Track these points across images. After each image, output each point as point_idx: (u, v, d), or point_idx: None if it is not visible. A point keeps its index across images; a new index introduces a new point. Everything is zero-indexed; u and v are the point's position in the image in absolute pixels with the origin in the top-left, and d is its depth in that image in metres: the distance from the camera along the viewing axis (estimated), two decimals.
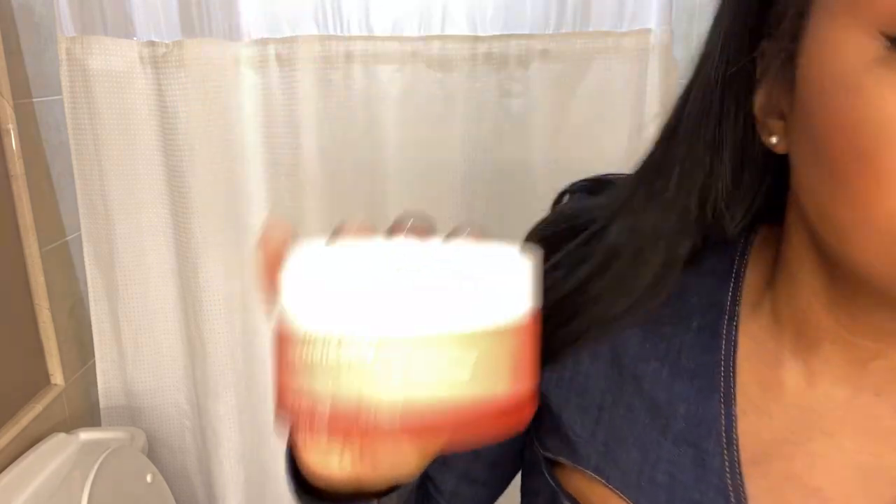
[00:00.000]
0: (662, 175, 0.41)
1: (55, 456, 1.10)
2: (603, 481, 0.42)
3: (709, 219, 0.41)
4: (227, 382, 1.30)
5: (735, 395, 0.41)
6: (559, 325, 0.44)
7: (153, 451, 1.34)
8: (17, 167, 1.12)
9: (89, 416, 1.32)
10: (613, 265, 0.42)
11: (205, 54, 1.13)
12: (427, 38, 1.16)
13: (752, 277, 0.43)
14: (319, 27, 1.15)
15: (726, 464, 0.40)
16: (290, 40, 1.15)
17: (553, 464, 0.46)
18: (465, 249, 0.30)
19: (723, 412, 0.41)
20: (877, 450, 0.38)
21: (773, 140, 0.37)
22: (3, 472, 1.04)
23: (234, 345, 1.29)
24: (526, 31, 1.17)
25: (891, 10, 0.29)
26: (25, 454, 1.08)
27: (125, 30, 1.14)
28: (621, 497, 0.42)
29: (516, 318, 0.30)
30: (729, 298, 0.43)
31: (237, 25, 1.15)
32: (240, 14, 1.15)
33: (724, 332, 0.42)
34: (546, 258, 0.46)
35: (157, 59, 1.14)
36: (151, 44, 1.14)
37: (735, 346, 0.41)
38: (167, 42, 1.13)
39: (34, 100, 1.17)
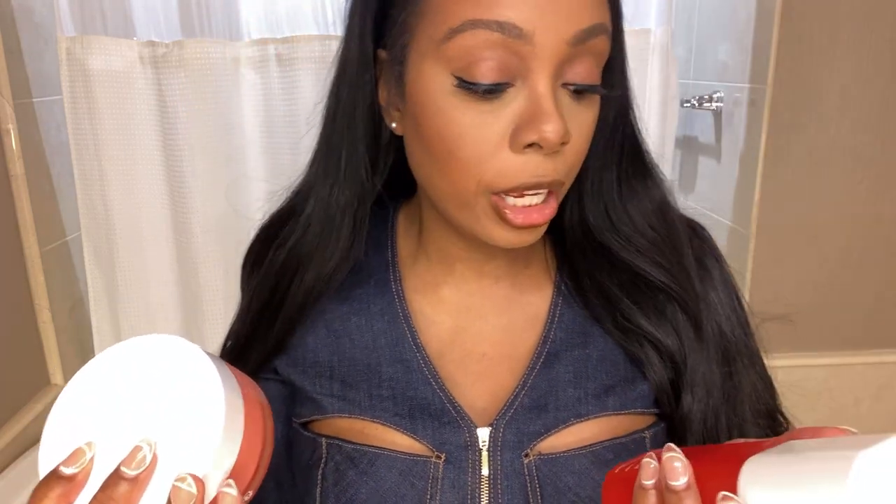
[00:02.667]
0: (332, 155, 0.56)
1: None
2: (346, 416, 0.56)
3: (376, 186, 0.57)
4: None
5: (412, 316, 0.58)
6: (276, 314, 0.59)
7: None
8: (17, 167, 1.12)
9: None
10: (311, 234, 0.57)
11: (205, 54, 1.13)
12: None
13: (404, 237, 0.61)
14: (319, 27, 1.15)
15: (422, 363, 0.56)
16: (290, 40, 1.15)
17: (306, 425, 0.59)
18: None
19: (407, 329, 0.57)
20: (506, 313, 0.58)
21: (394, 125, 0.54)
22: (3, 472, 1.04)
23: None
24: None
25: (458, 60, 0.45)
26: (25, 454, 1.08)
27: (125, 30, 1.14)
28: (362, 419, 0.56)
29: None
30: (389, 253, 0.61)
31: (237, 25, 1.15)
32: (240, 14, 1.15)
33: (392, 277, 0.60)
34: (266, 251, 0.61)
35: (157, 59, 1.14)
36: (151, 44, 1.14)
37: (402, 284, 0.59)
38: (167, 42, 1.13)
39: (34, 100, 1.17)
